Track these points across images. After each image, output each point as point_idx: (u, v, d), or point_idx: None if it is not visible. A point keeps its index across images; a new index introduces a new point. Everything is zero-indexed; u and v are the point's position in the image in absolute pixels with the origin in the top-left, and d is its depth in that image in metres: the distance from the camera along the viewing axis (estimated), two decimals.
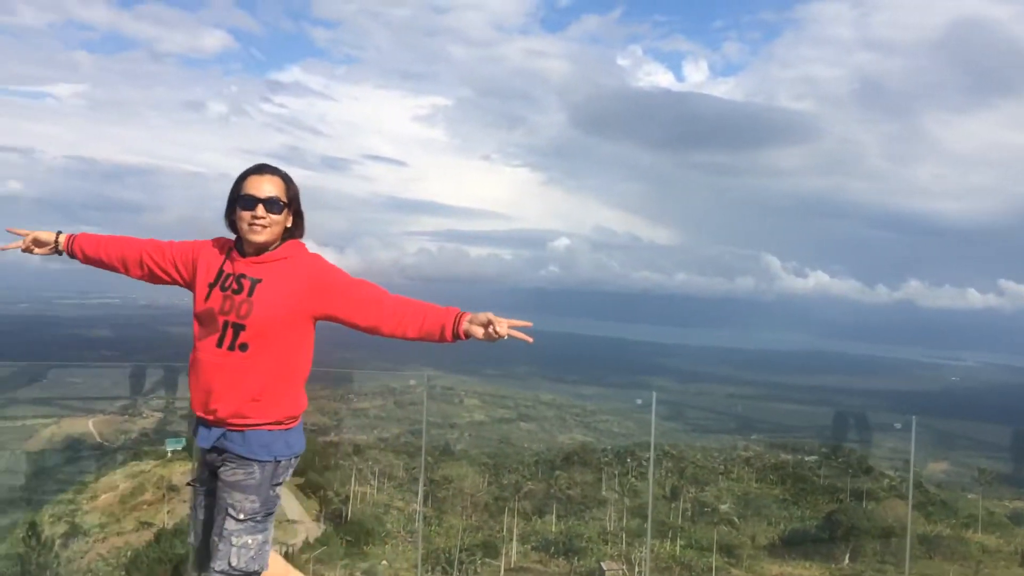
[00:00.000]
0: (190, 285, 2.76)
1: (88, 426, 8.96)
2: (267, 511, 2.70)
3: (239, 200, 2.64)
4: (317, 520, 9.30)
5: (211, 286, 2.66)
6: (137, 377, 8.47)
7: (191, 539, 2.83)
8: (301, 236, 2.77)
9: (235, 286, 2.63)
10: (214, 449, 2.68)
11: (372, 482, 10.45)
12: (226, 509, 2.62)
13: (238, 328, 2.61)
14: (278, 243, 2.70)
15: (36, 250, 2.94)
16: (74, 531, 7.74)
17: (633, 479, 12.20)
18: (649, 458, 7.92)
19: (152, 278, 2.84)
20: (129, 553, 7.60)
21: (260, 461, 2.65)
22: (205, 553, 2.73)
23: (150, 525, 7.85)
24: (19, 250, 2.97)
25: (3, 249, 2.94)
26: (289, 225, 2.71)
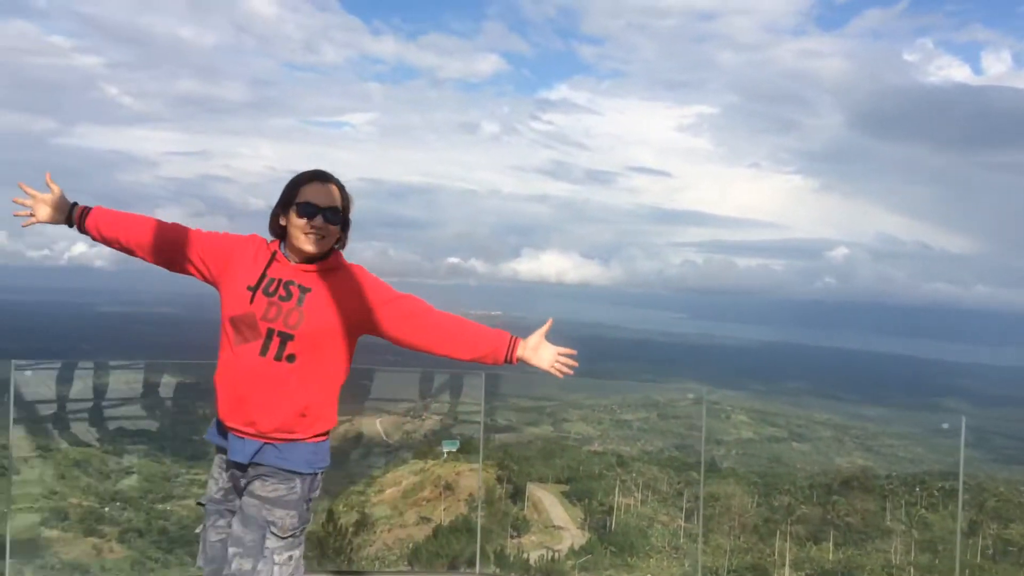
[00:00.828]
0: (213, 282, 2.63)
1: (376, 425, 9.68)
2: (304, 525, 2.58)
3: (297, 207, 2.51)
4: (581, 528, 9.37)
5: (252, 289, 2.51)
6: (426, 381, 8.92)
7: (200, 561, 2.67)
8: (344, 247, 2.66)
9: (283, 292, 2.51)
10: (239, 464, 2.53)
11: (636, 494, 10.37)
12: (266, 527, 2.48)
13: (286, 337, 2.47)
14: (328, 253, 2.60)
15: (42, 217, 2.66)
16: (364, 521, 8.35)
17: (923, 510, 11.07)
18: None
19: (171, 266, 2.66)
20: (411, 545, 8.09)
21: (302, 474, 2.54)
22: (216, 574, 2.59)
23: (429, 520, 8.30)
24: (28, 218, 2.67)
25: (25, 226, 2.67)
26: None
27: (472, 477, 8.38)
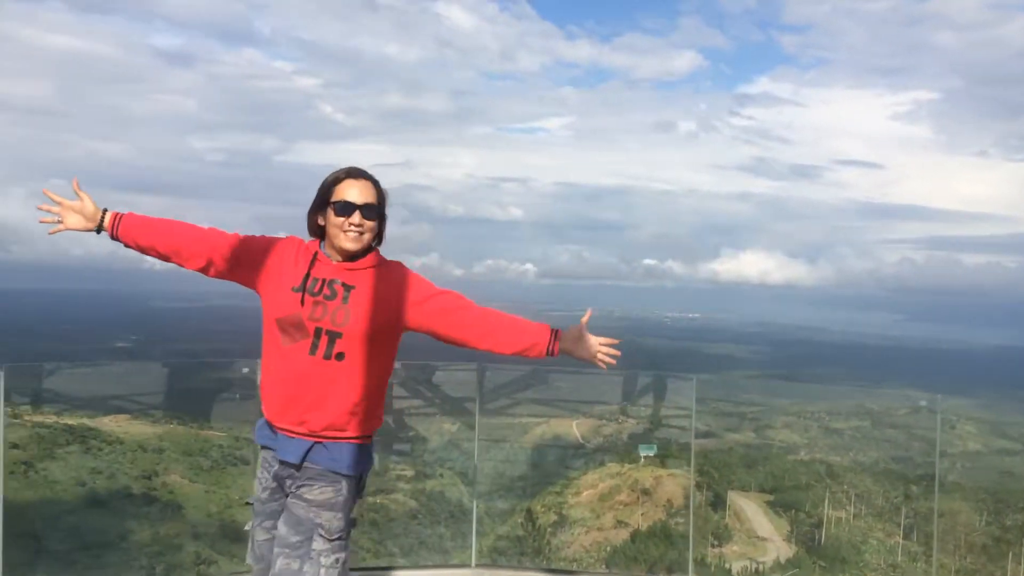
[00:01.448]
0: (252, 286, 2.63)
1: (572, 428, 9.73)
2: (350, 528, 2.56)
3: (334, 205, 2.53)
4: (788, 540, 8.95)
5: (297, 290, 2.51)
6: (629, 384, 8.84)
7: (250, 559, 2.67)
8: (381, 243, 2.66)
9: (327, 291, 2.51)
10: (288, 464, 2.53)
11: (848, 507, 9.76)
12: (314, 529, 2.48)
13: (334, 335, 2.48)
14: (368, 250, 2.60)
15: (71, 225, 2.61)
16: (561, 521, 8.41)
17: None
18: None
19: (208, 271, 2.64)
20: (608, 548, 8.05)
21: (348, 476, 2.53)
22: (265, 573, 2.58)
23: (626, 524, 8.23)
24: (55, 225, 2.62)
25: (52, 233, 2.62)
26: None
27: (671, 483, 8.22)
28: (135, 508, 6.44)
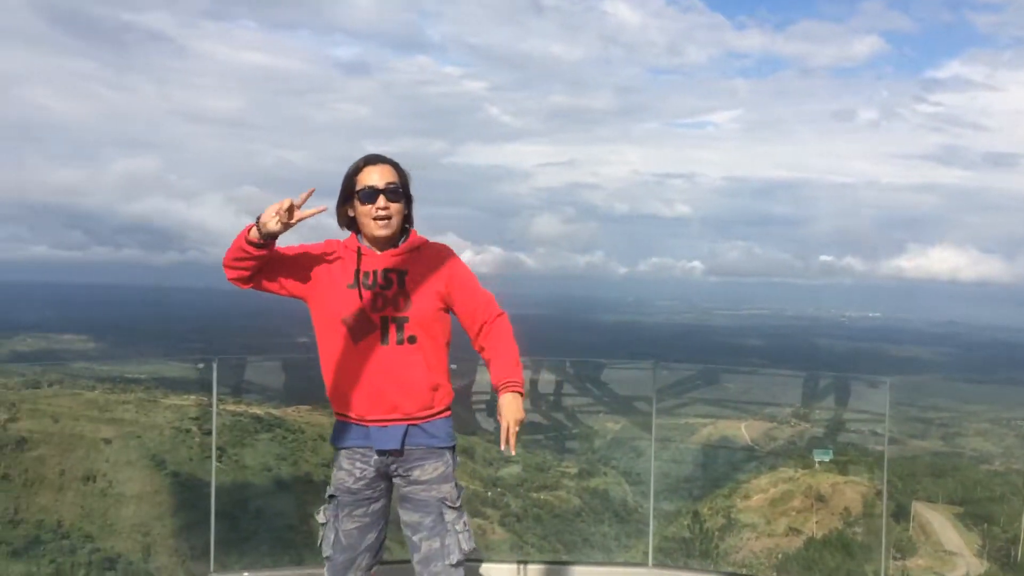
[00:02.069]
0: (299, 293, 2.64)
1: (741, 430, 9.46)
2: (461, 492, 2.68)
3: (358, 195, 2.56)
4: (979, 556, 8.32)
5: (352, 287, 2.56)
6: (809, 385, 8.52)
7: (329, 551, 2.67)
8: (412, 223, 2.68)
9: (382, 281, 2.57)
10: (386, 452, 2.60)
11: None
12: (441, 504, 2.60)
13: (401, 321, 2.55)
14: (404, 234, 2.65)
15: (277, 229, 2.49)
16: (730, 525, 8.21)
17: None
18: None
19: (248, 284, 2.61)
20: (779, 555, 7.78)
21: (449, 448, 2.66)
22: (350, 562, 2.65)
23: (798, 532, 7.93)
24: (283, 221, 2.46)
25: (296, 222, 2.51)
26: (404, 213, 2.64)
27: (850, 490, 7.84)
28: (315, 494, 6.84)
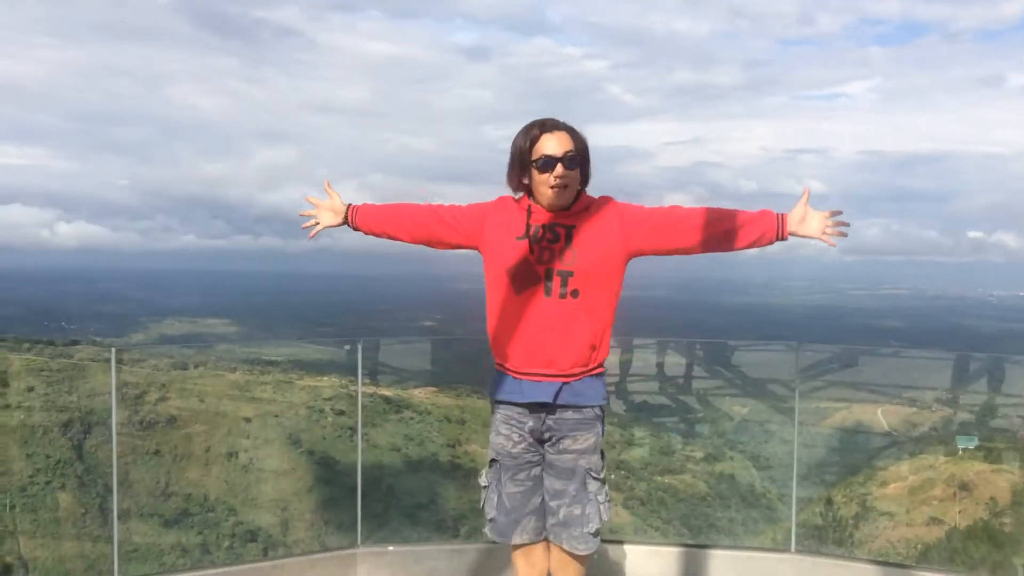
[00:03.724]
0: (474, 246, 2.75)
1: (877, 414, 9.07)
2: (604, 460, 2.73)
3: (536, 163, 2.57)
4: None
5: (520, 239, 2.60)
6: (958, 367, 8.12)
7: (492, 513, 2.75)
8: (586, 186, 2.69)
9: (550, 235, 2.59)
10: (541, 409, 2.62)
11: None
12: (586, 475, 2.65)
13: (566, 275, 2.56)
14: (576, 196, 2.65)
15: (326, 223, 2.89)
16: (865, 513, 7.92)
17: None
18: None
19: (432, 244, 2.81)
20: (919, 546, 7.45)
21: (599, 412, 2.67)
22: (514, 524, 2.71)
23: (940, 521, 7.56)
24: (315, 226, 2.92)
25: (312, 236, 2.90)
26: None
27: (997, 479, 7.43)
28: (442, 474, 7.02)
